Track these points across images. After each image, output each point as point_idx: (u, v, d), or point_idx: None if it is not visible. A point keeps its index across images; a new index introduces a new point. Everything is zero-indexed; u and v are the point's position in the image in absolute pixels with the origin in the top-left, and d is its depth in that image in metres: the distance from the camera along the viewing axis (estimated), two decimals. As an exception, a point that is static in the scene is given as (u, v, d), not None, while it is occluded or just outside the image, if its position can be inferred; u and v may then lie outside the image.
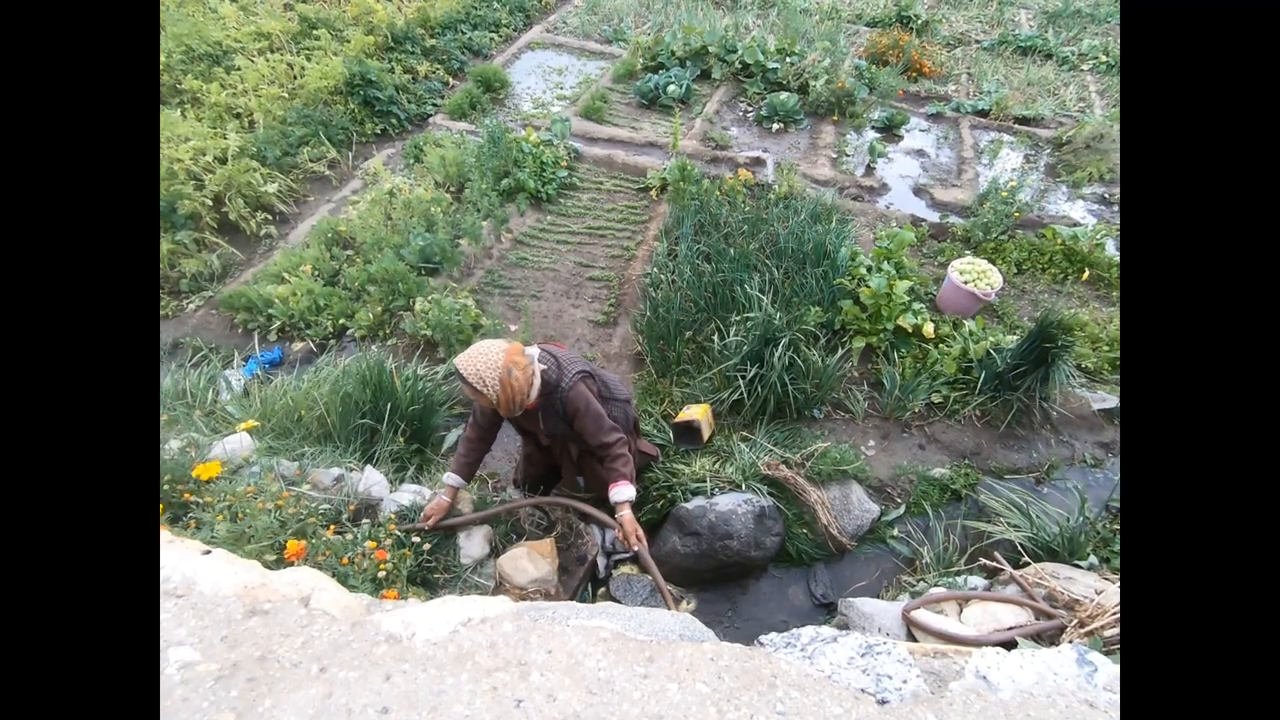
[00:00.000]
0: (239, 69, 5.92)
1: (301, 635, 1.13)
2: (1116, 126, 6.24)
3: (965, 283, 4.10)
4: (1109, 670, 1.23)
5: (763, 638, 1.40)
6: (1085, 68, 8.17)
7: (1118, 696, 1.17)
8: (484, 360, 2.14)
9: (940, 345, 3.96)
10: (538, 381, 2.26)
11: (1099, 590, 2.35)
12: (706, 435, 3.36)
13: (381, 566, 2.21)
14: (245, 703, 0.99)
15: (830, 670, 1.22)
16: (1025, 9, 9.94)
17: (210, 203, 4.71)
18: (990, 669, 1.23)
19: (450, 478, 2.53)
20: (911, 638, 2.25)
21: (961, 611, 2.39)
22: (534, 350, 2.32)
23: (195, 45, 6.06)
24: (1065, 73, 8.00)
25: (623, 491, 2.38)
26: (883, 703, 1.15)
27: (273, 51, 6.39)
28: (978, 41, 8.74)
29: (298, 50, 6.48)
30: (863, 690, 1.17)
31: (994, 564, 2.61)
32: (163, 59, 5.80)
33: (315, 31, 6.61)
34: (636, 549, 2.35)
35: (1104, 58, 8.23)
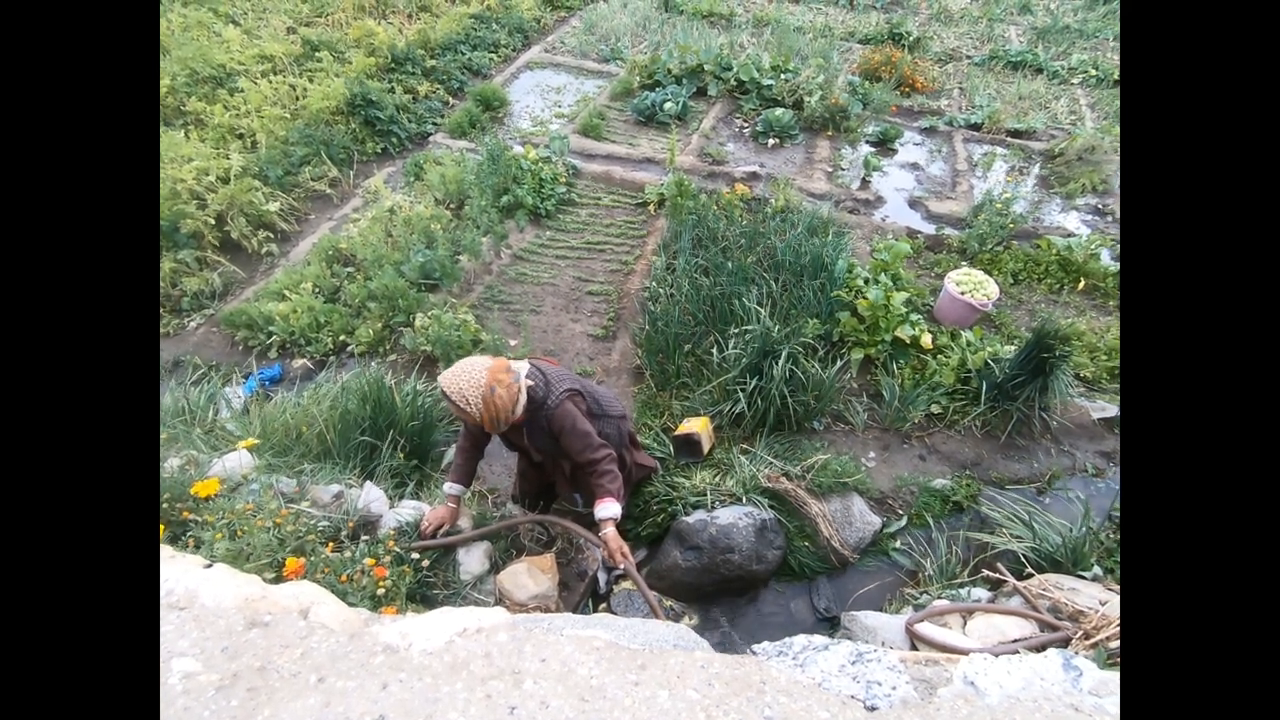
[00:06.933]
0: (242, 91, 6.02)
1: (300, 646, 1.14)
2: (1108, 139, 6.32)
3: (962, 293, 4.13)
4: (1094, 675, 1.23)
5: (755, 646, 1.40)
6: (1075, 81, 8.29)
7: (1103, 701, 1.18)
8: (467, 378, 2.15)
9: (939, 356, 3.97)
10: (523, 398, 2.26)
11: (1103, 601, 2.33)
12: (706, 448, 3.36)
13: (380, 584, 2.20)
14: (245, 712, 0.99)
15: (821, 678, 1.22)
16: (1015, 25, 10.10)
17: (212, 222, 4.76)
18: (978, 675, 1.23)
19: (451, 487, 2.55)
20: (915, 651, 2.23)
21: (966, 625, 2.37)
22: (523, 365, 2.33)
23: (199, 68, 6.17)
24: (1056, 86, 8.12)
25: (607, 509, 2.37)
26: (872, 709, 1.15)
27: (275, 73, 6.49)
28: (969, 57, 8.88)
29: (300, 72, 6.59)
30: (852, 696, 1.18)
31: (997, 575, 2.60)
32: (167, 81, 5.89)
33: (317, 53, 6.73)
34: (623, 566, 2.35)
35: (1093, 71, 8.36)
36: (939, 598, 2.69)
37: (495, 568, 2.60)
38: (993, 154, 6.63)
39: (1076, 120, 7.30)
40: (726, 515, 2.97)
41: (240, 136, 5.70)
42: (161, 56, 6.21)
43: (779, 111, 6.65)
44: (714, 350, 3.77)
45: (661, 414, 3.69)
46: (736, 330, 3.78)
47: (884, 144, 6.71)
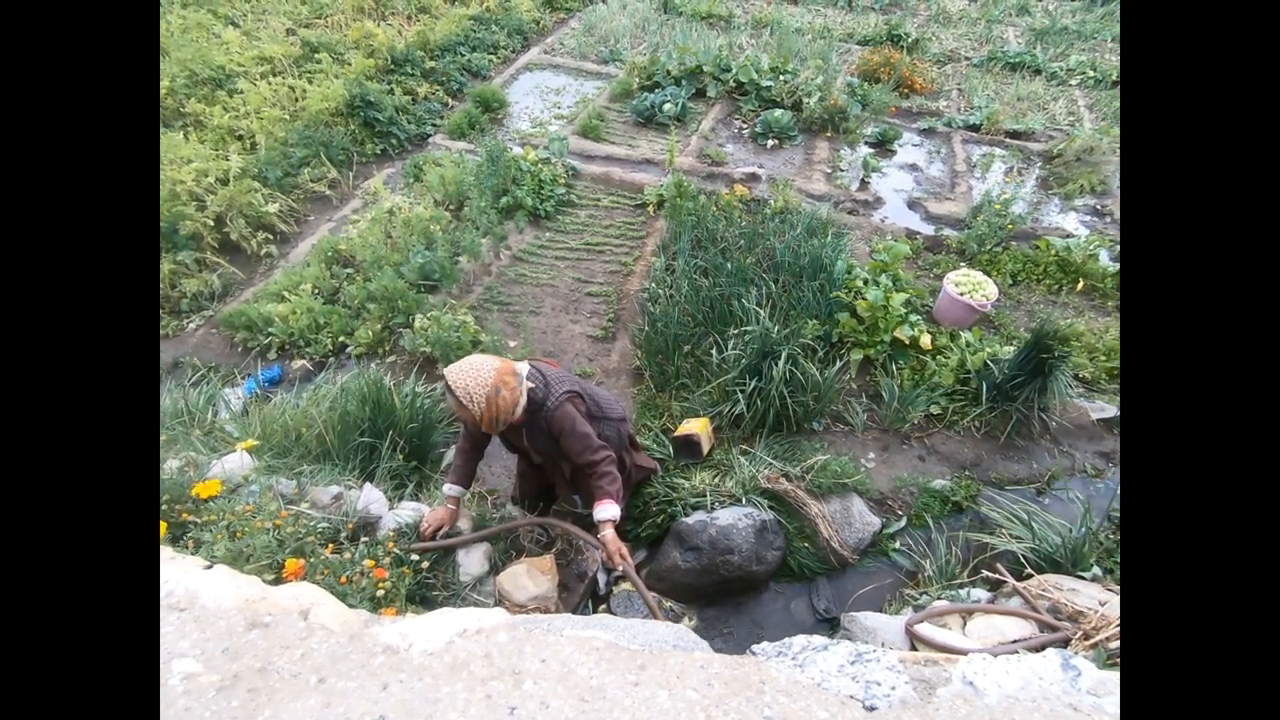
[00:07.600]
0: (241, 92, 6.02)
1: (300, 647, 1.14)
2: (1106, 139, 6.33)
3: (961, 294, 4.14)
4: (1093, 675, 1.24)
5: (755, 647, 1.40)
6: (1073, 83, 8.31)
7: (1102, 701, 1.18)
8: (474, 376, 2.16)
9: (938, 356, 3.97)
10: (523, 400, 2.27)
11: (1103, 601, 2.33)
12: (706, 449, 3.36)
13: (380, 585, 2.20)
14: (245, 713, 0.99)
15: (820, 678, 1.22)
16: (1013, 27, 10.13)
17: (212, 223, 4.76)
18: (977, 675, 1.23)
19: (450, 488, 2.55)
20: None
21: (965, 625, 2.38)
22: (524, 367, 2.33)
23: (199, 69, 6.17)
24: (1054, 88, 8.13)
25: (605, 510, 2.37)
26: (871, 709, 1.15)
27: (275, 75, 6.50)
28: (967, 58, 8.90)
29: (299, 73, 6.59)
30: (851, 696, 1.18)
31: (997, 576, 2.60)
32: (167, 83, 5.90)
33: (316, 55, 6.73)
34: (622, 567, 2.35)
35: (1091, 73, 8.38)
36: (939, 598, 2.69)
37: (495, 569, 2.60)
38: (991, 155, 6.64)
39: (1075, 121, 7.32)
40: (726, 516, 2.97)
41: (239, 138, 5.71)
42: (161, 58, 6.22)
43: (778, 113, 6.66)
44: (713, 351, 3.77)
45: (661, 415, 3.69)
46: (736, 331, 3.78)
47: (883, 145, 6.72)
